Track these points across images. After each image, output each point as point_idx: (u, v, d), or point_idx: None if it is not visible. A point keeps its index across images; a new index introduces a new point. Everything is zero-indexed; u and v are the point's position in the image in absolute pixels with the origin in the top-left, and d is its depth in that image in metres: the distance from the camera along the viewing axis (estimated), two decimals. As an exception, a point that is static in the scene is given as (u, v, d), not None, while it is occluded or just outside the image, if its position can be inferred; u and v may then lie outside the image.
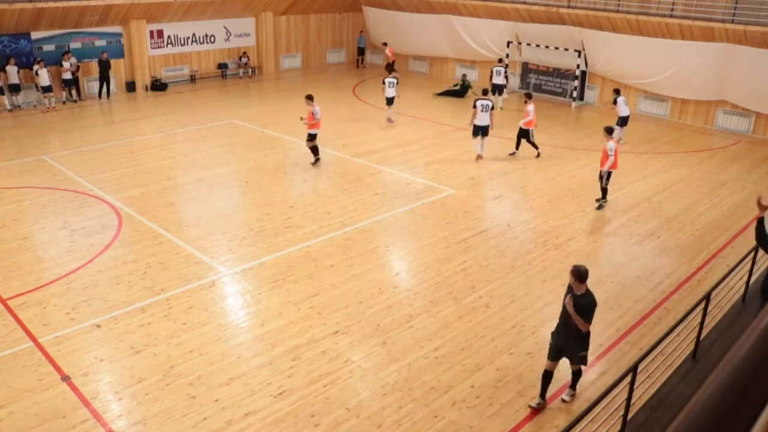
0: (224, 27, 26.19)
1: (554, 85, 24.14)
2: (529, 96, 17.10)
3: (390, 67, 25.69)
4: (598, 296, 10.12)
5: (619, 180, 15.53)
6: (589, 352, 7.54)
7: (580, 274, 7.12)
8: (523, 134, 16.76)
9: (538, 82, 24.60)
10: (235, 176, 15.60)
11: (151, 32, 24.09)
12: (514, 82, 24.98)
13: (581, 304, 7.12)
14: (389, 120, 20.35)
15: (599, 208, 13.65)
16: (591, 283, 10.50)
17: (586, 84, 23.42)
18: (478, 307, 9.84)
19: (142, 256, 11.26)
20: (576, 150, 17.33)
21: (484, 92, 17.26)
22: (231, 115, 20.90)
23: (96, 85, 22.95)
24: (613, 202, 14.09)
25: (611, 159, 13.15)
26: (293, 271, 10.83)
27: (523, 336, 9.11)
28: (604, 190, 13.67)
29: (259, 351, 8.66)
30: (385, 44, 27.29)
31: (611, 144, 13.15)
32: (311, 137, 15.96)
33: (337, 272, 10.84)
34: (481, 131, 16.43)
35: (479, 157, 16.62)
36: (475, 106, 16.50)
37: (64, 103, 21.82)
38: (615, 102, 17.91)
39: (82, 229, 12.32)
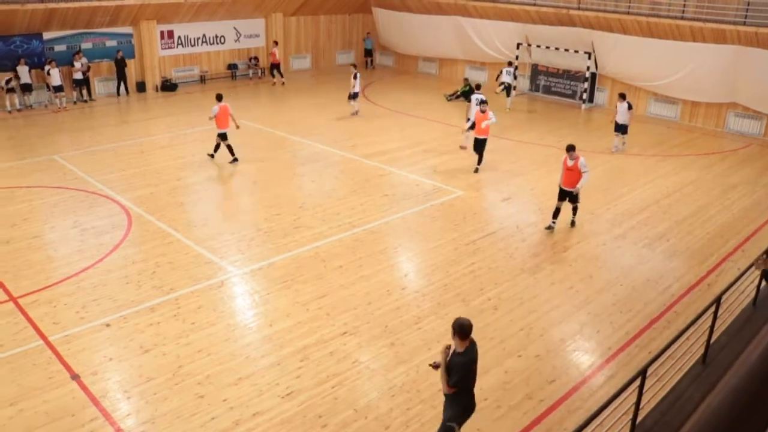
0: (234, 28, 26.27)
1: (564, 86, 24.08)
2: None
3: (277, 68, 25.58)
4: (607, 300, 10.15)
5: (629, 182, 15.48)
6: (458, 425, 6.41)
7: (461, 329, 6.04)
8: (482, 145, 15.74)
9: (548, 83, 24.54)
10: (244, 177, 15.64)
11: (162, 33, 24.21)
12: (524, 83, 24.95)
13: (453, 362, 6.11)
14: (356, 113, 21.08)
15: (549, 228, 12.59)
16: (600, 286, 10.54)
17: (596, 86, 23.34)
18: (487, 309, 9.83)
19: (151, 256, 11.31)
20: (585, 152, 17.17)
21: (477, 87, 18.16)
22: (240, 115, 20.85)
23: (106, 85, 23.20)
24: (622, 205, 14.03)
25: (586, 176, 12.18)
26: (302, 272, 10.85)
27: (531, 339, 9.09)
28: (576, 208, 12.76)
29: (268, 351, 8.68)
30: (276, 43, 26.24)
31: (584, 160, 12.20)
32: (221, 136, 16.20)
33: (346, 273, 10.85)
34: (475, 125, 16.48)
35: (463, 147, 16.75)
36: (469, 100, 17.55)
37: (74, 103, 21.97)
38: (630, 106, 17.61)
39: (91, 228, 12.39)
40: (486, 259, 11.45)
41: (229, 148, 16.29)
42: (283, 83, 25.89)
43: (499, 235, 12.51)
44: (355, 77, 20.59)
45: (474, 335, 9.04)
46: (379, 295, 10.16)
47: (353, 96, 20.90)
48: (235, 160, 16.31)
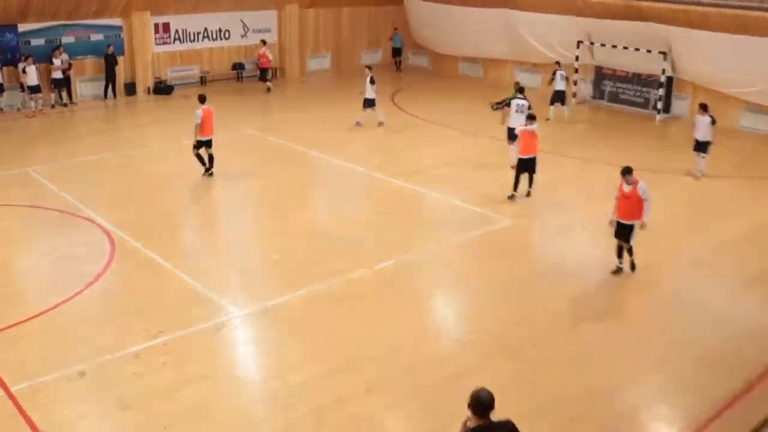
0: (241, 21, 26.61)
1: (634, 93, 23.92)
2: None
3: (264, 75, 25.52)
4: (691, 356, 9.89)
5: (716, 212, 15.18)
6: None
7: (477, 402, 5.50)
8: (531, 166, 15.33)
9: (615, 90, 24.40)
10: (251, 197, 15.67)
11: (156, 26, 24.61)
12: (586, 89, 24.81)
13: None
14: (381, 123, 21.20)
15: (617, 271, 12.10)
16: (681, 340, 10.24)
17: (673, 93, 23.10)
18: (541, 364, 9.59)
19: (136, 291, 11.29)
20: (660, 174, 16.93)
21: (521, 90, 17.87)
22: (247, 124, 21.11)
23: (90, 86, 23.61)
24: (707, 239, 13.71)
25: (648, 204, 11.57)
26: (316, 315, 10.74)
27: (596, 403, 8.83)
28: (630, 249, 12.13)
29: (273, 412, 8.54)
30: (263, 42, 26.02)
31: (644, 185, 11.65)
32: (198, 144, 16.16)
33: (370, 317, 10.72)
34: (516, 136, 16.16)
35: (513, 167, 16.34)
36: (509, 105, 17.18)
37: (52, 106, 22.31)
38: (714, 121, 17.14)
39: (68, 256, 12.42)
40: (540, 304, 11.24)
41: (199, 157, 16.29)
42: (269, 88, 25.67)
43: (555, 274, 12.29)
44: (372, 82, 20.50)
45: (525, 396, 8.84)
46: (410, 345, 9.98)
47: (369, 103, 20.78)
48: (210, 172, 16.33)
